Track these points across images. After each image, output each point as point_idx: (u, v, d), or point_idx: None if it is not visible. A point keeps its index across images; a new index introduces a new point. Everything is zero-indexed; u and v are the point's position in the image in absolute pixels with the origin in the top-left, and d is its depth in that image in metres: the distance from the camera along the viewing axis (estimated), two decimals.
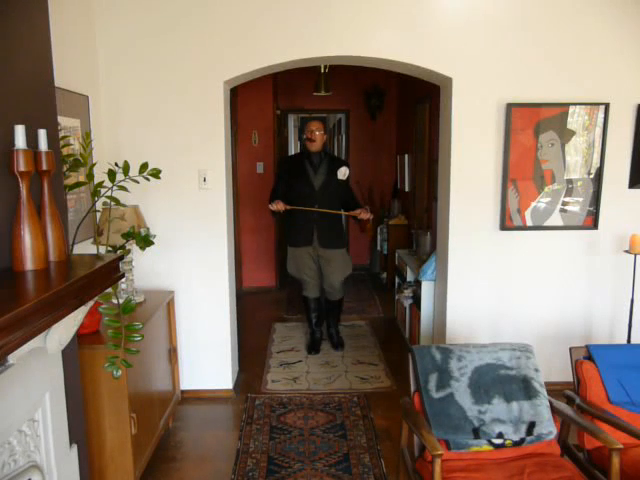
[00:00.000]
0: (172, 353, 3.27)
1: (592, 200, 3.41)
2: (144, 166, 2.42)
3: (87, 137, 2.50)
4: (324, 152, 4.19)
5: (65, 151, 2.31)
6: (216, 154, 3.37)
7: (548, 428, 2.18)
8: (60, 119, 2.41)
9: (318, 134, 4.07)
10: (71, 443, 1.92)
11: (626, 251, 3.29)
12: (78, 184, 2.37)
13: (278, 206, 3.90)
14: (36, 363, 1.66)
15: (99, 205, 2.82)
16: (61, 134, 2.22)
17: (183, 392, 3.51)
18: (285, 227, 4.34)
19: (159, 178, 2.44)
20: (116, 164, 2.48)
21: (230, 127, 3.65)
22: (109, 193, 2.40)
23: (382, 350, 4.40)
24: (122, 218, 2.86)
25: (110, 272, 1.82)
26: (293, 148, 8.86)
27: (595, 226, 3.44)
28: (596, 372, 2.37)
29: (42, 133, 1.66)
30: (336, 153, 8.32)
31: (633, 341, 3.37)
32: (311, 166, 4.12)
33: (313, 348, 4.34)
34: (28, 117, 1.66)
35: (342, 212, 4.09)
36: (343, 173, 4.14)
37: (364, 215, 3.97)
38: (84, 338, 2.35)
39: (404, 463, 2.31)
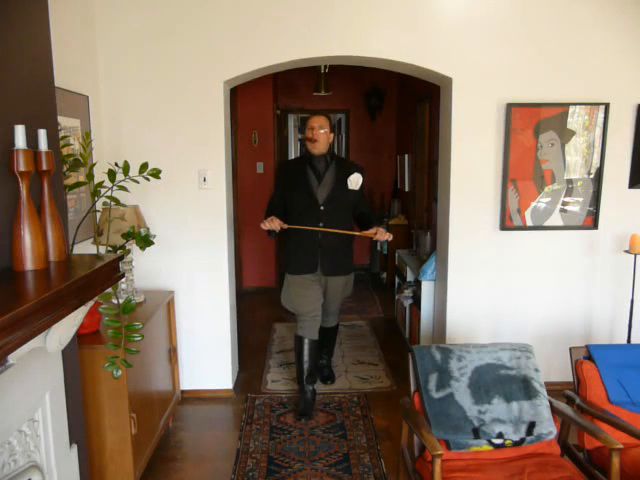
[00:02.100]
0: (172, 353, 3.27)
1: (592, 200, 3.41)
2: (144, 166, 2.42)
3: (87, 137, 2.50)
4: (330, 155, 3.31)
5: (65, 151, 2.31)
6: (216, 154, 3.37)
7: (548, 428, 2.18)
8: (60, 119, 2.41)
9: (322, 133, 3.20)
10: (71, 443, 1.92)
11: (626, 251, 3.29)
12: (78, 184, 2.37)
13: (273, 224, 3.03)
14: (36, 363, 1.66)
15: (99, 205, 2.82)
16: (61, 134, 2.21)
17: (183, 392, 3.51)
18: (284, 250, 3.51)
19: (159, 178, 2.44)
20: (116, 164, 2.48)
21: (230, 127, 3.65)
22: (109, 193, 2.40)
23: (382, 350, 4.40)
24: (122, 218, 2.86)
25: (110, 272, 1.82)
26: (293, 148, 8.51)
27: (595, 226, 3.44)
28: (596, 372, 2.37)
29: (42, 133, 1.66)
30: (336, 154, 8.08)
31: (633, 341, 3.37)
32: (314, 174, 3.26)
33: (304, 412, 3.29)
34: (28, 117, 1.66)
35: (353, 233, 3.24)
36: (355, 182, 3.27)
37: (381, 236, 3.10)
38: (84, 338, 2.35)
39: (404, 463, 2.31)
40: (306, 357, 3.35)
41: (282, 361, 4.16)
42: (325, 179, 3.26)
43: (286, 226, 3.12)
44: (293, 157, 8.22)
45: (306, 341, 3.35)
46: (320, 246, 3.26)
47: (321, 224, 3.19)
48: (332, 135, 3.30)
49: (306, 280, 3.33)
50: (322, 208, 3.22)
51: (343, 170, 3.30)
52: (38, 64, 1.80)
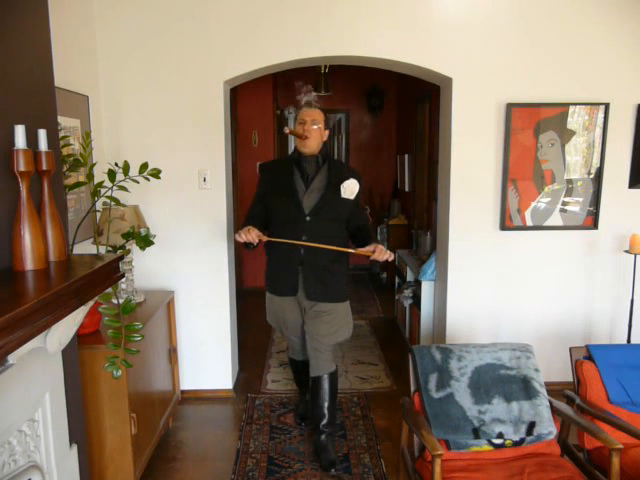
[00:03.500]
0: (172, 353, 3.27)
1: (592, 200, 3.41)
2: (144, 166, 2.42)
3: (87, 137, 2.50)
4: (322, 156, 2.81)
5: (65, 151, 2.31)
6: (216, 154, 3.37)
7: (548, 428, 2.18)
8: (60, 119, 2.41)
9: (314, 129, 2.71)
10: (71, 443, 1.92)
11: (626, 251, 3.29)
12: (78, 184, 2.37)
13: (249, 235, 2.50)
14: (36, 363, 1.66)
15: (99, 205, 2.82)
16: (61, 134, 2.21)
17: (183, 392, 3.51)
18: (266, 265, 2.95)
19: (159, 178, 2.44)
20: (116, 164, 2.48)
21: (230, 127, 3.65)
22: (109, 193, 2.40)
23: (382, 350, 4.40)
24: (122, 218, 2.86)
25: (110, 272, 1.82)
26: (293, 148, 8.12)
27: (595, 226, 3.44)
28: (596, 372, 2.37)
29: (42, 133, 1.66)
30: (335, 154, 7.57)
31: (633, 341, 3.37)
32: (302, 177, 2.76)
33: (304, 416, 3.22)
34: (28, 117, 1.66)
35: (345, 249, 2.68)
36: (350, 190, 2.73)
37: (380, 255, 2.53)
38: (84, 338, 2.35)
39: (404, 463, 2.31)
40: (301, 372, 3.14)
41: (282, 361, 4.16)
42: (314, 184, 2.74)
43: (265, 238, 2.61)
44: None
45: (299, 361, 3.11)
46: (302, 264, 2.73)
47: (304, 237, 2.65)
48: (327, 132, 2.81)
49: (284, 303, 2.86)
50: (308, 219, 2.69)
51: (336, 174, 2.77)
52: (38, 64, 1.80)
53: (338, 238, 2.74)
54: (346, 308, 2.88)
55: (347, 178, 2.75)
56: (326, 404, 2.83)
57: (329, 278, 2.77)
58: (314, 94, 2.87)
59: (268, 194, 2.79)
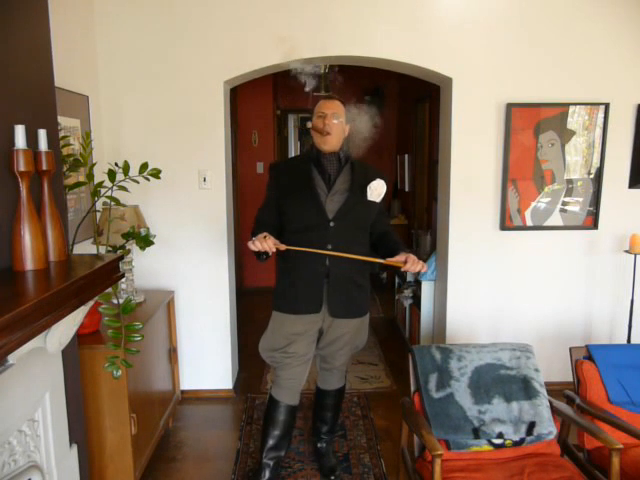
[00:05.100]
0: (172, 353, 3.27)
1: (592, 200, 3.41)
2: (144, 166, 2.42)
3: (87, 137, 2.50)
4: (344, 153, 2.47)
5: (65, 151, 2.31)
6: (216, 154, 3.37)
7: (548, 428, 2.18)
8: (60, 119, 2.41)
9: (335, 123, 2.37)
10: (71, 443, 1.92)
11: (626, 251, 3.29)
12: (78, 184, 2.37)
13: (265, 244, 2.15)
14: (36, 363, 1.66)
15: (99, 205, 2.82)
16: (61, 134, 2.21)
17: (183, 392, 3.51)
18: (276, 280, 2.59)
19: (159, 178, 2.44)
20: (116, 164, 2.48)
21: (230, 127, 3.65)
22: (109, 193, 2.40)
23: (382, 350, 4.40)
24: (122, 218, 2.86)
25: (110, 272, 1.82)
26: (293, 148, 7.78)
27: (595, 226, 3.44)
28: (596, 372, 2.37)
29: (42, 133, 1.66)
30: None
31: (633, 341, 3.37)
32: (322, 178, 2.41)
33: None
34: (28, 117, 1.66)
35: (378, 260, 2.29)
36: (378, 192, 2.42)
37: (413, 266, 2.20)
38: (84, 338, 2.35)
39: (404, 463, 2.31)
40: (278, 424, 2.54)
41: None
42: (337, 185, 2.40)
43: (283, 247, 2.23)
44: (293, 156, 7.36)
45: (283, 405, 2.53)
46: (327, 277, 2.38)
47: (330, 246, 2.32)
48: (348, 127, 2.46)
49: (298, 324, 2.44)
50: (332, 224, 2.35)
51: (361, 174, 2.45)
52: (38, 64, 1.79)
53: (364, 246, 2.45)
54: (366, 322, 2.62)
55: (373, 178, 2.44)
56: (330, 414, 2.77)
57: (355, 291, 2.46)
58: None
59: (283, 197, 2.42)
